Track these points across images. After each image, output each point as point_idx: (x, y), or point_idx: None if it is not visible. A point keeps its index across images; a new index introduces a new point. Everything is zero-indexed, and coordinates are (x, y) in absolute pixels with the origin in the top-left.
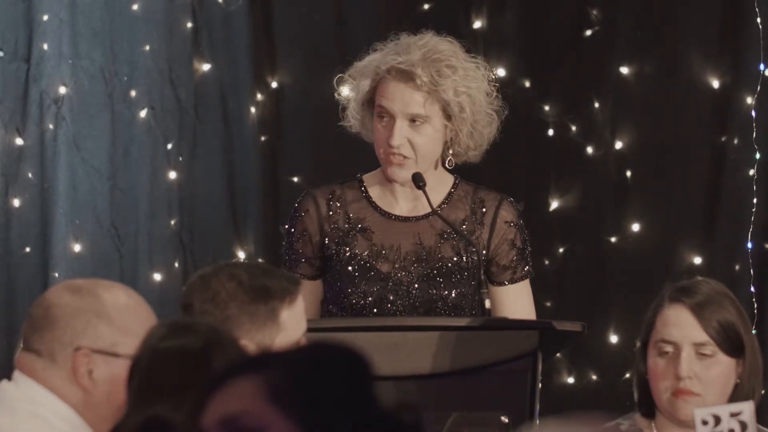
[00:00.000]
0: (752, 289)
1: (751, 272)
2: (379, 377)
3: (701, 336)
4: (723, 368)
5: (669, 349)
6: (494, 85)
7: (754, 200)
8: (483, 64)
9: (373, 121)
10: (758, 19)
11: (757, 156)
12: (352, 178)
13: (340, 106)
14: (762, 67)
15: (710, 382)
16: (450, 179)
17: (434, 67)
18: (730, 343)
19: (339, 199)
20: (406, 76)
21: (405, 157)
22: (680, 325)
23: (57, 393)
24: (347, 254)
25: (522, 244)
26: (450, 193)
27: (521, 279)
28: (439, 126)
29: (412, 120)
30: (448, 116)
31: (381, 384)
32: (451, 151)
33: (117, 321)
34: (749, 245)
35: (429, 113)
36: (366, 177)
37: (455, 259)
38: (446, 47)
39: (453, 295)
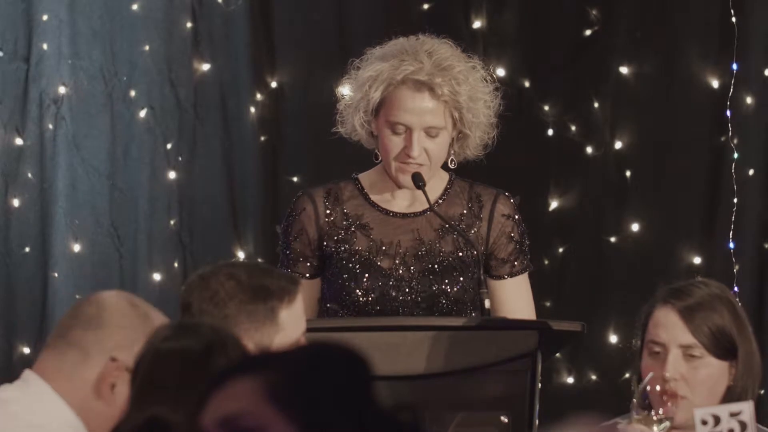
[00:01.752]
0: (735, 288)
1: (735, 271)
2: (378, 377)
3: (688, 338)
4: (712, 370)
5: (658, 350)
6: (494, 85)
7: (735, 200)
8: (480, 64)
9: (381, 130)
10: (733, 19)
11: (736, 156)
12: (347, 177)
13: (337, 112)
14: (735, 66)
15: (697, 384)
16: (446, 176)
17: (450, 75)
18: (720, 346)
19: (336, 197)
20: (424, 86)
21: (420, 165)
22: (668, 326)
23: (70, 395)
24: (347, 251)
25: (520, 237)
26: (446, 190)
27: (520, 273)
28: (451, 131)
29: (428, 131)
30: (461, 120)
31: (380, 384)
32: (453, 151)
33: None
34: (731, 245)
35: (446, 123)
36: (361, 176)
37: (455, 253)
38: (449, 51)
39: (454, 289)
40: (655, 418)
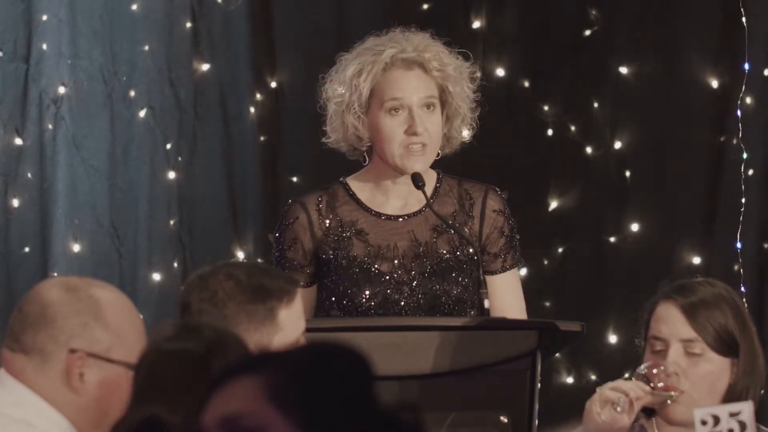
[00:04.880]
0: (743, 288)
1: (741, 272)
2: (379, 377)
3: (689, 333)
4: (713, 367)
5: (659, 346)
6: (473, 74)
7: (743, 200)
8: (454, 51)
9: (378, 118)
10: (743, 19)
11: (745, 156)
12: (334, 182)
13: (325, 120)
14: (747, 66)
15: (697, 379)
16: (434, 174)
17: (435, 50)
18: (722, 343)
19: (328, 204)
20: (414, 63)
21: (424, 145)
22: (669, 321)
23: (45, 395)
24: (345, 258)
25: (510, 231)
26: (436, 188)
27: (511, 267)
28: (441, 110)
29: (426, 106)
30: (450, 93)
31: (381, 384)
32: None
33: (113, 325)
34: (738, 245)
35: (438, 97)
36: (350, 180)
37: (452, 253)
38: (421, 35)
39: (455, 289)
40: (652, 385)
